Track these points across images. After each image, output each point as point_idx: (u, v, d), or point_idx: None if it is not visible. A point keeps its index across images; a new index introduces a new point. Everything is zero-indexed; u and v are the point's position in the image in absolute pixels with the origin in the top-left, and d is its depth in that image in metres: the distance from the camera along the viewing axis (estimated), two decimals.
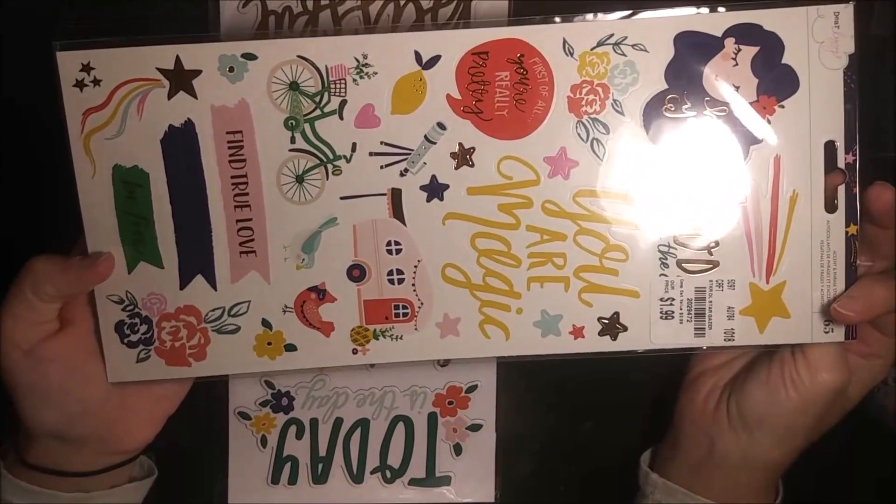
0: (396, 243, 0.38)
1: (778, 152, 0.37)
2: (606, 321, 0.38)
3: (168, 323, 0.38)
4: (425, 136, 0.37)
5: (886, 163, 0.43)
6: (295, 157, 0.37)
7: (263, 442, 0.46)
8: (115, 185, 0.37)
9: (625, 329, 0.38)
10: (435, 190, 0.37)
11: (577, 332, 0.38)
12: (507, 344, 0.38)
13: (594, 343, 0.38)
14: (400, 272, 0.38)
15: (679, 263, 0.38)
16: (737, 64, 0.36)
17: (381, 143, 0.37)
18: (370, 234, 0.38)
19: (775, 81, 0.36)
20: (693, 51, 0.36)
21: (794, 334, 0.38)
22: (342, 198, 0.37)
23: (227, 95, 0.36)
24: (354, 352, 0.39)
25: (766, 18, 0.36)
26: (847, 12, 0.36)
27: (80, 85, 0.36)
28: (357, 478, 0.47)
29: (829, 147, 0.36)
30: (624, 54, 0.36)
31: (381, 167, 0.37)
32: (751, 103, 0.36)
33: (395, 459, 0.47)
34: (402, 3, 0.42)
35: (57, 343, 0.37)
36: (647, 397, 0.47)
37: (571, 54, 0.36)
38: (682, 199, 0.37)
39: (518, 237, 0.38)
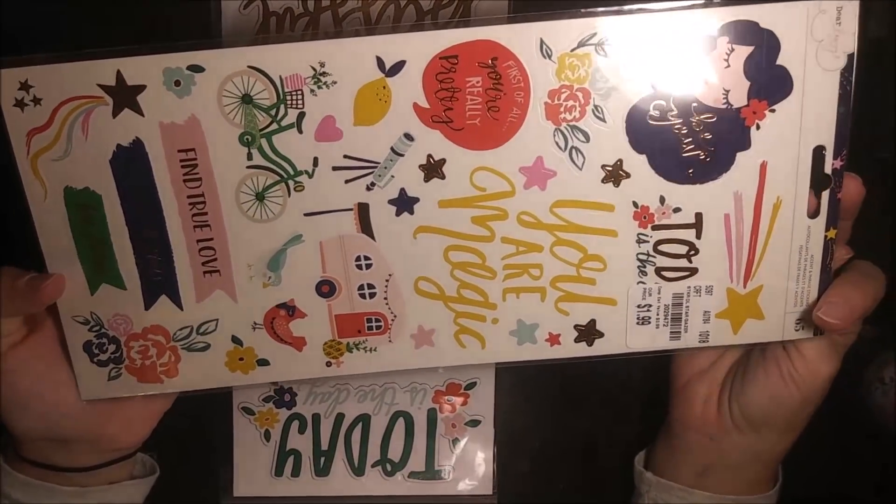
0: (366, 258, 0.36)
1: (765, 158, 0.35)
2: (583, 328, 0.37)
3: (136, 342, 0.37)
4: (392, 149, 0.34)
5: (886, 164, 0.41)
6: (253, 175, 0.35)
7: (267, 436, 0.48)
8: (69, 207, 0.34)
9: (601, 335, 0.38)
10: (404, 204, 0.35)
11: (554, 340, 0.38)
12: (483, 352, 0.38)
13: (570, 349, 0.38)
14: (371, 286, 0.37)
15: (658, 271, 0.37)
16: (728, 66, 0.33)
17: (345, 156, 0.34)
18: (338, 250, 0.36)
19: (768, 84, 0.33)
20: (683, 51, 0.33)
21: (767, 334, 0.37)
22: (306, 214, 0.35)
23: (175, 111, 0.33)
24: (328, 364, 0.38)
25: (763, 15, 0.33)
26: (851, 7, 0.32)
27: (20, 104, 0.33)
28: (358, 471, 0.48)
29: (818, 152, 0.34)
30: (607, 56, 0.33)
31: (346, 181, 0.35)
32: (741, 108, 0.34)
33: (395, 453, 0.48)
34: (402, 4, 0.39)
35: (23, 352, 0.37)
36: (646, 396, 0.47)
37: (549, 56, 0.33)
38: (664, 207, 0.36)
39: (493, 249, 0.36)
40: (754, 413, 0.39)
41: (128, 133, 0.34)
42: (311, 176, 0.35)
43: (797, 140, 0.34)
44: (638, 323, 0.37)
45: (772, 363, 0.38)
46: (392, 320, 0.37)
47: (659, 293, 0.37)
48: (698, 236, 0.36)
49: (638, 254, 0.36)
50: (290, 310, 0.37)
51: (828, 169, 0.35)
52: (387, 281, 0.37)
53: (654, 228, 0.36)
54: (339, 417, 0.47)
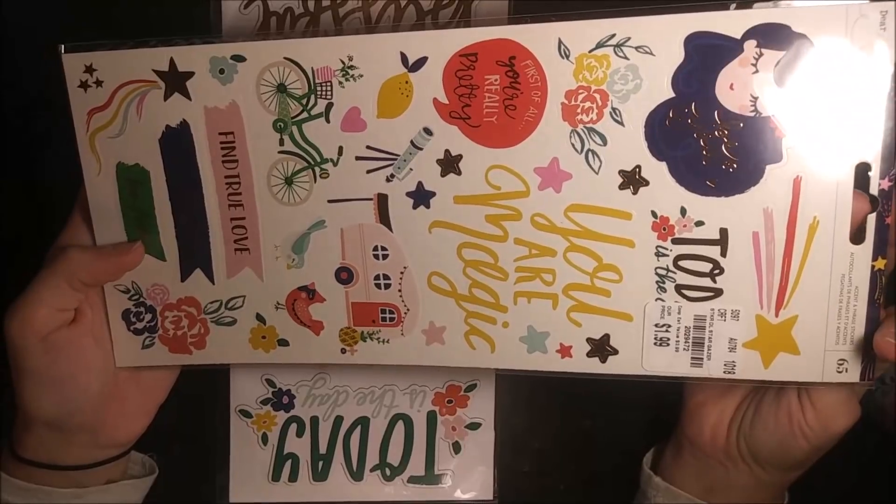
0: (383, 248, 0.37)
1: (799, 173, 0.32)
2: (596, 342, 0.36)
3: (171, 312, 0.40)
4: (411, 142, 0.35)
5: None
6: (284, 160, 0.37)
7: (264, 439, 0.47)
8: (119, 182, 0.38)
9: (615, 352, 0.36)
10: (421, 197, 0.36)
11: (565, 352, 0.36)
12: (492, 356, 0.37)
13: (582, 364, 0.36)
14: (386, 277, 0.37)
15: (678, 289, 0.35)
16: (757, 71, 0.31)
17: (367, 147, 0.36)
18: (357, 239, 0.37)
19: (802, 92, 0.31)
20: (706, 55, 0.32)
21: (803, 372, 0.34)
22: (329, 201, 0.37)
23: (218, 97, 0.36)
24: (343, 351, 0.39)
25: (796, 18, 0.31)
26: None
27: (84, 86, 0.37)
28: (357, 475, 0.47)
29: (862, 170, 0.31)
30: (626, 57, 0.33)
31: (367, 171, 0.36)
32: (770, 117, 0.32)
33: (394, 457, 0.47)
34: (402, 4, 0.40)
35: (69, 332, 0.38)
36: (647, 396, 0.44)
37: (567, 56, 0.33)
38: (685, 220, 0.34)
39: (505, 250, 0.36)
40: (760, 454, 0.37)
41: (176, 115, 0.37)
42: (335, 164, 0.36)
43: (837, 154, 0.32)
44: (655, 343, 0.35)
45: (783, 412, 0.36)
46: (405, 313, 0.38)
47: (679, 313, 0.35)
48: (723, 254, 0.34)
49: (656, 268, 0.35)
50: (310, 293, 0.38)
51: (874, 189, 0.32)
52: (401, 273, 0.37)
53: (674, 242, 0.34)
54: (338, 420, 0.47)
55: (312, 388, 0.47)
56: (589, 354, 0.36)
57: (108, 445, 0.41)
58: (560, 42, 0.33)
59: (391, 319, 0.38)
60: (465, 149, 0.35)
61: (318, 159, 0.37)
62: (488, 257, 0.36)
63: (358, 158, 0.36)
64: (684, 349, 0.35)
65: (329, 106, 0.36)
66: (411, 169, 0.36)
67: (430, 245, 0.37)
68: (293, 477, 0.47)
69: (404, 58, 0.35)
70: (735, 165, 0.33)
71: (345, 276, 0.38)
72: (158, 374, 0.41)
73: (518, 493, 0.47)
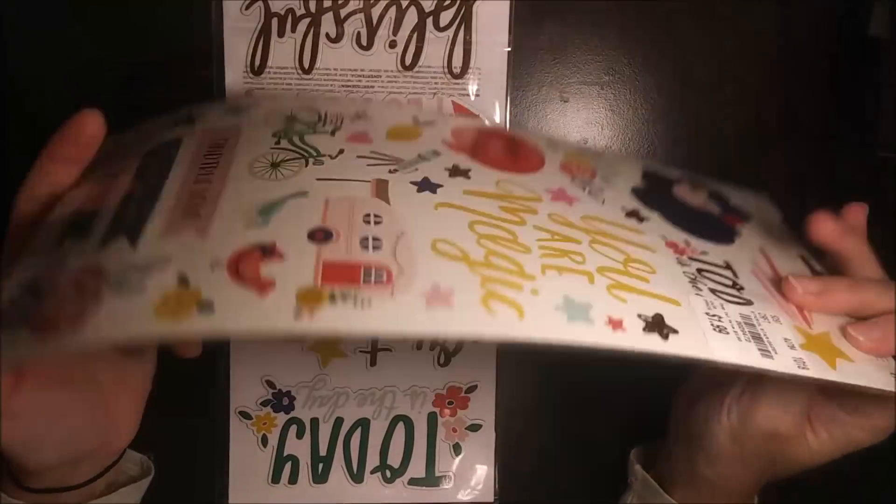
0: (376, 216, 0.30)
1: (761, 246, 0.36)
2: (650, 320, 0.28)
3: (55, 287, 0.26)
4: (419, 155, 0.34)
5: (887, 163, 0.41)
6: (275, 151, 0.33)
7: (264, 441, 0.46)
8: None
9: (675, 332, 0.28)
10: (427, 185, 0.32)
11: (616, 324, 0.27)
12: (521, 324, 0.26)
13: (639, 339, 0.27)
14: (377, 239, 0.29)
15: (712, 291, 0.31)
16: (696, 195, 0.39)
17: (372, 152, 0.34)
18: (346, 207, 0.30)
19: (733, 211, 0.39)
20: (659, 178, 0.40)
21: (868, 378, 0.30)
22: (319, 179, 0.31)
23: (224, 125, 0.35)
24: (297, 316, 0.25)
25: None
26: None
27: None
28: (357, 477, 0.46)
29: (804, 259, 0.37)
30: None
31: (368, 165, 0.33)
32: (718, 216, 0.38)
33: (395, 459, 0.46)
34: (404, 5, 0.42)
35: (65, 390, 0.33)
36: (648, 396, 0.42)
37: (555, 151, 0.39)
38: (690, 250, 0.34)
39: (525, 231, 0.31)
40: (690, 426, 0.37)
41: (174, 136, 0.34)
42: (333, 158, 0.33)
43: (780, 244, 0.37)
44: (714, 330, 0.29)
45: (727, 388, 0.35)
46: (398, 275, 0.27)
47: (723, 308, 0.30)
48: (736, 277, 0.33)
49: (684, 271, 0.32)
50: (265, 250, 0.27)
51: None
52: (398, 237, 0.29)
53: (690, 259, 0.33)
54: (338, 422, 0.46)
55: (313, 390, 0.46)
56: (646, 330, 0.28)
57: (111, 454, 0.38)
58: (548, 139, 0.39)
59: (377, 280, 0.27)
60: (474, 167, 0.34)
61: (315, 154, 0.33)
62: (506, 234, 0.30)
63: (359, 157, 0.33)
64: (746, 340, 0.29)
65: (336, 129, 0.35)
66: (416, 169, 0.33)
67: (435, 218, 0.30)
68: (293, 479, 0.46)
69: (416, 119, 0.37)
70: (712, 230, 0.36)
71: (321, 235, 0.28)
72: (139, 367, 0.37)
73: (518, 494, 0.47)
